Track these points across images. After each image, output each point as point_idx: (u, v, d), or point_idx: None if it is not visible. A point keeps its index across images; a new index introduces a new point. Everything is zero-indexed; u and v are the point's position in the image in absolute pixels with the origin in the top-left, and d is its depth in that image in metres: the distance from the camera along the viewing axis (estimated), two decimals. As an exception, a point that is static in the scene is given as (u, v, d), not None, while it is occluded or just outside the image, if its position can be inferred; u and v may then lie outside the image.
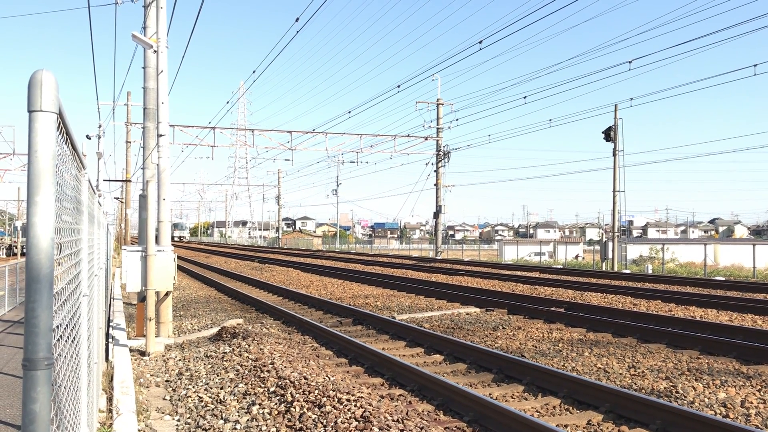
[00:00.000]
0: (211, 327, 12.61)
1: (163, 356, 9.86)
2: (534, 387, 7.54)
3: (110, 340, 9.96)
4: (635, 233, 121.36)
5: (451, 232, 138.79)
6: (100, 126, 29.29)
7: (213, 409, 6.73)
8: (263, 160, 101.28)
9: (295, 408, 6.42)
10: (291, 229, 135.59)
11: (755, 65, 23.01)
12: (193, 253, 54.22)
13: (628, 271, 28.83)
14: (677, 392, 7.12)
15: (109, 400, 6.70)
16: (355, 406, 6.24)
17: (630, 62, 24.16)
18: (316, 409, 6.33)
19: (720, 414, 6.38)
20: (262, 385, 7.42)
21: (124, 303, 16.09)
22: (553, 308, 13.93)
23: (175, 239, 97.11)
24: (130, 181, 36.79)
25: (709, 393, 7.09)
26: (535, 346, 10.14)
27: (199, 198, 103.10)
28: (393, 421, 5.78)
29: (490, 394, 7.20)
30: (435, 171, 41.63)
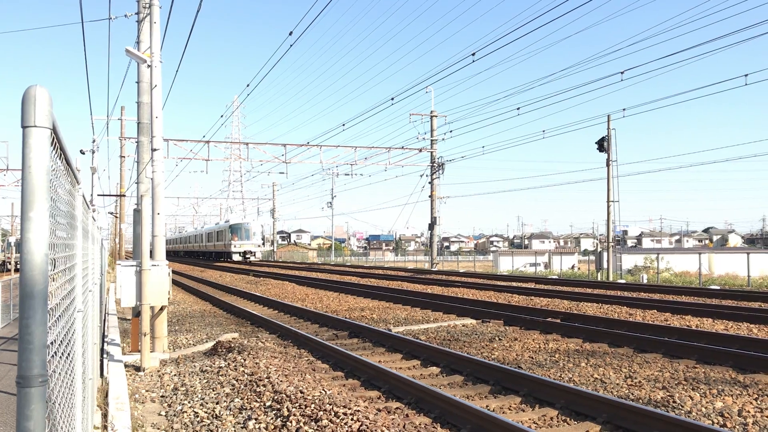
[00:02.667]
0: (207, 341, 12.55)
1: (159, 371, 9.81)
2: (531, 398, 7.52)
3: (105, 355, 9.90)
4: (630, 243, 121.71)
5: (446, 244, 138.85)
6: (94, 141, 29.26)
7: (209, 425, 6.69)
8: (258, 174, 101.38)
9: (291, 422, 6.38)
10: (286, 242, 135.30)
11: (746, 75, 23.20)
12: (188, 267, 54.06)
13: (623, 281, 28.87)
14: (674, 402, 7.11)
15: (104, 416, 6.65)
16: (352, 419, 6.21)
17: (622, 73, 24.34)
18: (313, 423, 6.29)
19: (717, 423, 6.37)
20: (258, 400, 7.38)
21: (118, 318, 16.01)
22: (549, 319, 13.92)
23: (235, 256, 58.67)
24: (124, 195, 36.72)
25: (707, 402, 7.08)
26: (532, 357, 10.13)
27: (193, 212, 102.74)
28: (390, 434, 5.74)
29: (487, 406, 7.17)
30: (429, 183, 41.71)
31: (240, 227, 59.50)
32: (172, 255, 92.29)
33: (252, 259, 58.60)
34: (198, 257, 77.64)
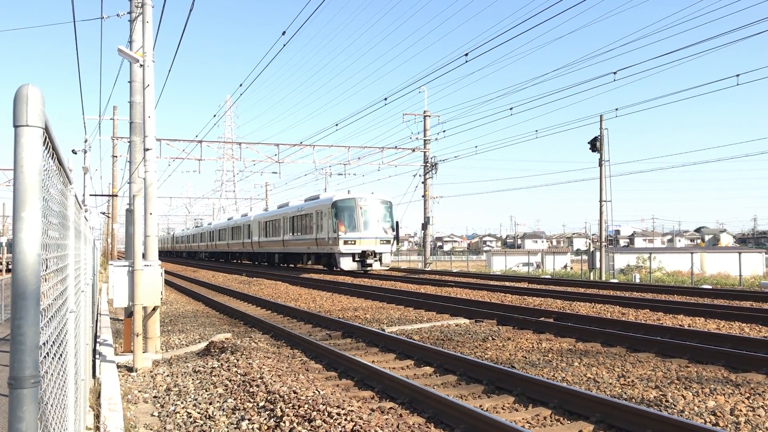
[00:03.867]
0: (199, 342, 12.52)
1: (151, 372, 9.77)
2: (524, 398, 7.53)
3: (97, 356, 9.86)
4: (622, 243, 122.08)
5: (439, 243, 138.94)
6: (86, 140, 29.17)
7: (202, 425, 6.67)
8: (250, 173, 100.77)
9: (285, 423, 6.37)
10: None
11: (738, 75, 23.28)
12: (180, 267, 53.93)
13: (615, 281, 28.96)
14: (667, 401, 7.13)
15: (97, 417, 6.62)
16: (346, 419, 6.21)
17: (615, 73, 24.42)
18: (307, 423, 6.28)
19: (710, 422, 6.39)
20: (252, 400, 7.36)
21: (111, 318, 15.95)
22: (542, 318, 13.95)
23: (345, 262, 32.35)
24: (116, 195, 36.61)
25: (699, 401, 7.11)
26: (525, 357, 10.14)
27: (186, 212, 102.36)
28: (384, 434, 5.74)
29: (480, 406, 7.18)
30: (423, 182, 41.72)
31: (353, 206, 32.62)
32: (184, 257, 79.37)
33: (377, 267, 32.98)
34: (233, 260, 55.95)
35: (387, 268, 34.34)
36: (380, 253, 32.98)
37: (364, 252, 32.28)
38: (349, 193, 33.92)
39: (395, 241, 34.10)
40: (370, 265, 32.61)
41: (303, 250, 37.39)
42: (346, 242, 32.02)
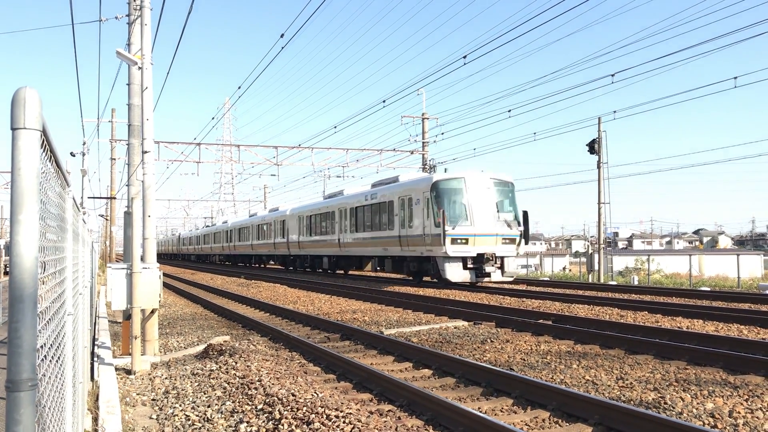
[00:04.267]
0: (198, 344, 12.50)
1: (150, 374, 9.76)
2: (523, 400, 7.53)
3: (95, 358, 9.85)
4: (621, 245, 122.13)
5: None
6: (84, 143, 29.17)
7: (200, 428, 6.66)
8: (249, 176, 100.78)
9: (283, 425, 6.36)
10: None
11: (735, 78, 23.27)
12: (179, 270, 53.87)
13: (614, 283, 28.97)
14: (665, 403, 7.13)
15: (95, 420, 6.61)
16: (344, 422, 6.20)
17: (613, 75, 24.40)
18: (305, 426, 6.28)
19: (708, 424, 6.39)
20: (250, 403, 7.35)
21: (109, 321, 15.93)
22: (540, 321, 13.94)
23: (452, 270, 22.68)
24: (115, 198, 36.58)
25: (697, 403, 7.11)
26: (524, 359, 10.13)
27: (184, 214, 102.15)
28: (382, 436, 5.73)
29: (479, 408, 7.17)
30: (421, 185, 41.62)
31: (461, 189, 23.39)
32: (192, 261, 72.79)
33: (497, 278, 23.64)
34: (258, 264, 49.00)
35: (511, 280, 24.59)
36: (502, 257, 23.66)
37: (480, 255, 23.02)
38: (446, 172, 24.77)
39: (522, 240, 24.15)
40: (489, 274, 23.18)
41: (376, 252, 27.57)
42: (454, 241, 22.66)
